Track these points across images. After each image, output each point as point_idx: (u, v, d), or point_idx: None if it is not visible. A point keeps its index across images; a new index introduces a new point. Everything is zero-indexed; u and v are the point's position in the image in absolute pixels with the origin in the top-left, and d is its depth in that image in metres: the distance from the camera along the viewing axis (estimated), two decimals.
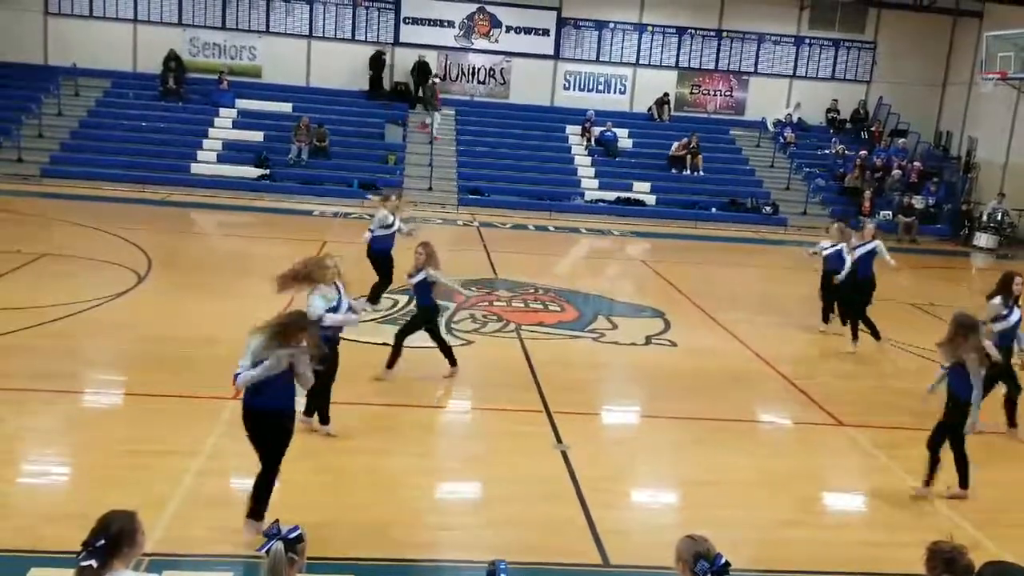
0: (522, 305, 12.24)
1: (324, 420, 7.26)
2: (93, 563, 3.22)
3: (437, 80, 23.57)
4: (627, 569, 5.62)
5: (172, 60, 23.28)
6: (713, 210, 21.97)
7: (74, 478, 6.42)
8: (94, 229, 15.05)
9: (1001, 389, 8.44)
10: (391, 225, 11.08)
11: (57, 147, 21.08)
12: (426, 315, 8.70)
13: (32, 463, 6.61)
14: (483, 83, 25.36)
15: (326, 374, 6.73)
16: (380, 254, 11.09)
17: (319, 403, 7.21)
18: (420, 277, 8.47)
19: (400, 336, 8.69)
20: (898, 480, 7.27)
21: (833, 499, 7.06)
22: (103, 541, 3.28)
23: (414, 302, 9.35)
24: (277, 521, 3.41)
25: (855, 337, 10.94)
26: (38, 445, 6.89)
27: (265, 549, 3.32)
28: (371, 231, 11.15)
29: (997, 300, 8.32)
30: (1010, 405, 8.46)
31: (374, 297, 11.05)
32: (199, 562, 5.23)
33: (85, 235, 14.67)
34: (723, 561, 3.37)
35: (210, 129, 22.41)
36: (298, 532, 3.37)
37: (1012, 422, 8.45)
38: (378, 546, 5.65)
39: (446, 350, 8.84)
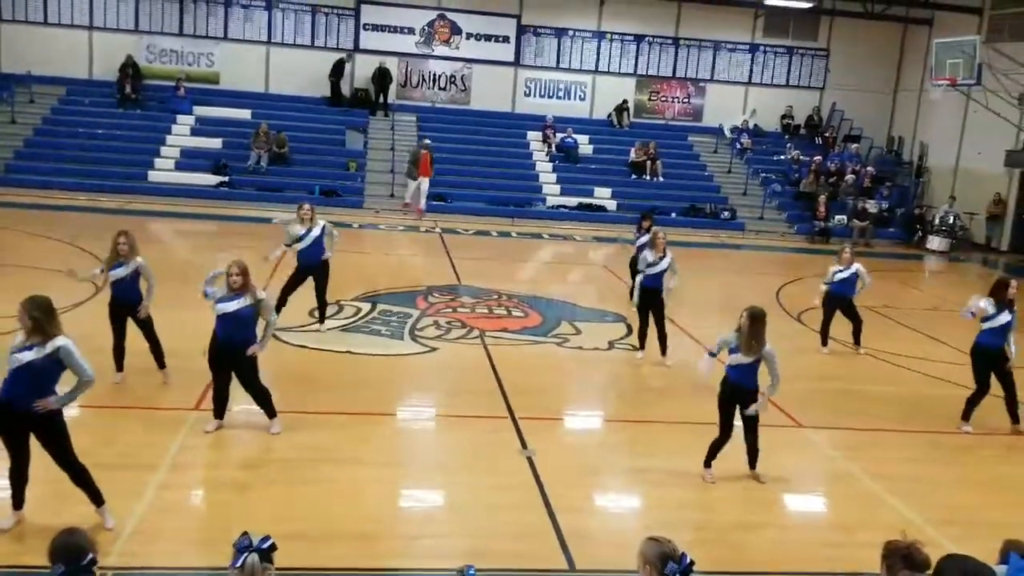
0: (486, 311, 12.28)
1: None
2: None
3: (428, 144, 21.61)
4: (592, 573, 5.68)
5: (128, 67, 22.94)
6: (673, 215, 22.22)
7: (31, 494, 6.29)
8: (49, 239, 14.78)
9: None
10: (302, 237, 10.40)
11: (11, 155, 20.66)
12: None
13: None
14: (444, 90, 25.39)
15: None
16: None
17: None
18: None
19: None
20: (856, 481, 7.44)
21: (792, 500, 7.20)
22: (62, 566, 3.25)
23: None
24: (247, 533, 3.38)
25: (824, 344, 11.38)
26: None
27: (239, 563, 3.28)
28: (287, 246, 10.57)
29: (983, 302, 8.65)
30: (1011, 404, 8.78)
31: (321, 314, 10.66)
32: (165, 575, 5.18)
33: (40, 245, 14.39)
34: (688, 560, 3.43)
35: (168, 136, 22.13)
36: (271, 542, 3.35)
37: (1015, 418, 8.83)
38: (347, 557, 5.65)
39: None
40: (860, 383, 10.26)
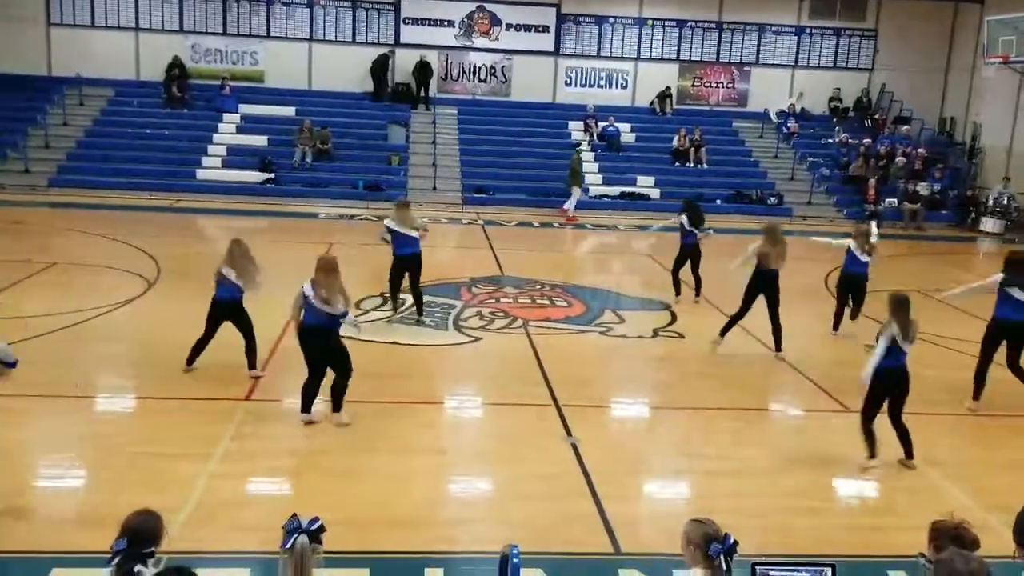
0: (529, 301, 12.30)
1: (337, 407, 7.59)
2: (121, 563, 3.30)
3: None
4: (638, 557, 5.69)
5: (175, 67, 23.40)
6: (718, 202, 21.97)
7: (92, 482, 6.51)
8: (102, 237, 15.17)
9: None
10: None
11: (63, 157, 21.22)
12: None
13: (50, 468, 6.70)
14: (484, 81, 25.41)
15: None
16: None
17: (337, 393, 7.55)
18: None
19: None
20: (906, 465, 7.31)
21: (841, 485, 7.10)
22: (126, 542, 3.35)
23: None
24: (295, 515, 3.45)
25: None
26: (55, 450, 6.98)
27: (289, 544, 3.34)
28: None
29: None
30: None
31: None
32: (218, 559, 5.31)
33: (93, 243, 14.79)
34: (732, 541, 3.43)
35: (214, 135, 22.52)
36: (319, 523, 3.41)
37: None
38: (393, 540, 5.74)
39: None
40: (910, 366, 10.06)
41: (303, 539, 3.35)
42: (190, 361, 8.53)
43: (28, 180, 20.16)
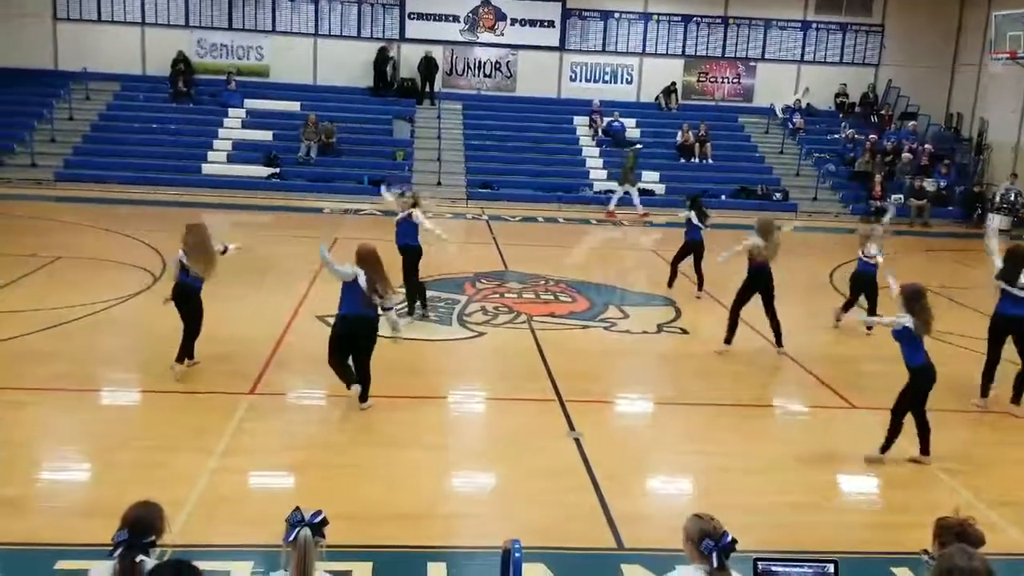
0: (533, 296, 12.29)
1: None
2: (124, 554, 3.30)
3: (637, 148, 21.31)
4: (642, 553, 5.68)
5: (180, 62, 23.41)
6: (723, 197, 21.91)
7: (95, 475, 6.53)
8: (108, 231, 15.20)
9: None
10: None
11: (70, 151, 21.25)
12: None
13: (54, 460, 6.73)
14: (489, 76, 25.37)
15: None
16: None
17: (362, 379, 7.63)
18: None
19: None
20: (912, 462, 7.29)
21: (847, 481, 7.09)
22: (127, 533, 3.35)
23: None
24: (298, 508, 3.45)
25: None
26: (59, 443, 7.01)
27: (292, 537, 3.35)
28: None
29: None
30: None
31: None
32: (221, 552, 5.33)
33: (99, 237, 14.82)
34: (729, 539, 3.41)
35: (220, 129, 22.52)
36: (322, 516, 3.42)
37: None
38: (396, 535, 5.74)
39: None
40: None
41: (306, 532, 3.35)
42: (182, 358, 8.24)
43: (35, 174, 20.20)
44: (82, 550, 5.17)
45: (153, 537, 3.44)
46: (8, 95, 22.04)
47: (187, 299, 8.22)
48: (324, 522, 3.42)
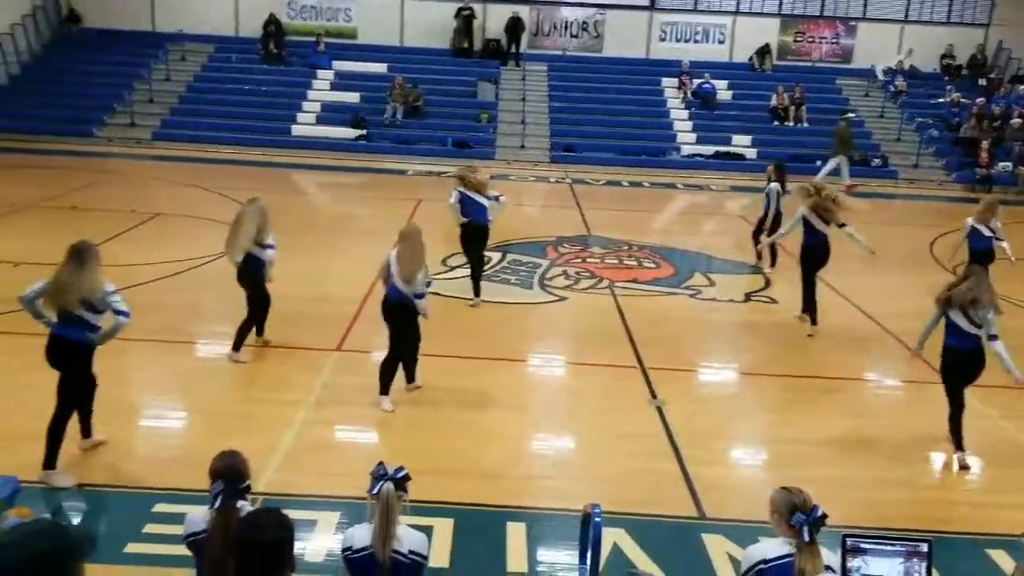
0: (616, 262, 12.16)
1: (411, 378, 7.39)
2: (224, 503, 3.43)
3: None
4: (723, 523, 5.61)
5: (271, 24, 23.81)
6: (818, 163, 21.11)
7: (192, 424, 6.81)
8: (203, 190, 15.68)
9: None
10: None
11: (167, 111, 21.95)
12: None
13: (153, 410, 7.04)
14: (576, 37, 24.98)
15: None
16: None
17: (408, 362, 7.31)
18: None
19: None
20: (1010, 440, 6.98)
21: (937, 458, 6.83)
22: (222, 483, 3.48)
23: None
24: (382, 463, 3.52)
25: None
26: (158, 394, 7.33)
27: (376, 490, 3.43)
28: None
29: None
30: None
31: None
32: (307, 502, 5.49)
33: (195, 196, 15.30)
34: (820, 512, 3.33)
35: (309, 91, 22.88)
36: (405, 472, 3.48)
37: None
38: (476, 493, 5.81)
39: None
40: (1016, 337, 9.54)
41: (389, 486, 3.42)
42: (259, 331, 8.20)
43: (134, 133, 20.95)
44: (178, 495, 5.41)
45: (248, 483, 3.56)
46: (109, 57, 22.87)
47: (243, 276, 8.09)
48: (407, 477, 3.48)
